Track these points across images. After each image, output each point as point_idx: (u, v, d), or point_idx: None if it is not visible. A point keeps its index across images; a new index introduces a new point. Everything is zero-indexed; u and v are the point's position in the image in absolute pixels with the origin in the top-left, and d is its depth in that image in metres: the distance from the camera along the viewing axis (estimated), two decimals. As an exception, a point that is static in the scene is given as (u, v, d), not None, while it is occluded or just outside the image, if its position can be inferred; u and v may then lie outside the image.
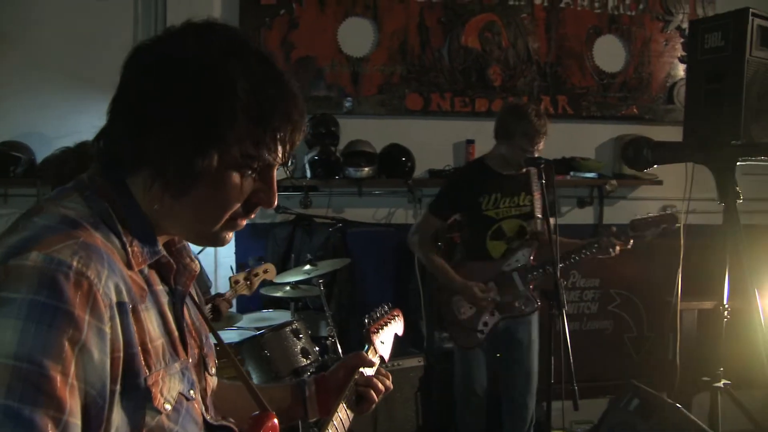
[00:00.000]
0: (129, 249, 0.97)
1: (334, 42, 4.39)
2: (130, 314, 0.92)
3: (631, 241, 3.19)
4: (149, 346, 0.95)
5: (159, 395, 0.94)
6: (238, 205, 1.01)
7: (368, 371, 1.49)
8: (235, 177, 0.98)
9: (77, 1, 4.13)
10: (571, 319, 4.53)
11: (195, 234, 1.05)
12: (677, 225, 3.21)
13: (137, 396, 0.91)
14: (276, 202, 1.05)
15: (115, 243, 0.96)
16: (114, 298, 0.89)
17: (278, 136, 0.98)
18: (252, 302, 3.95)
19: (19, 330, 0.80)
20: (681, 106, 4.74)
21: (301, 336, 3.23)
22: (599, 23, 4.68)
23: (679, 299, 3.15)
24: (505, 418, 3.39)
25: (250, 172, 0.99)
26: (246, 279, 3.11)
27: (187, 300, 1.12)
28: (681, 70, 4.77)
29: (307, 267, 3.61)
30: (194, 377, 1.07)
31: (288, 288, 3.66)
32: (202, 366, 1.13)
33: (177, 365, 1.01)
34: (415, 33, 4.48)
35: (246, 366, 3.15)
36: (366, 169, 4.19)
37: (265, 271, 3.21)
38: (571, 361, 2.64)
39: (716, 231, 3.52)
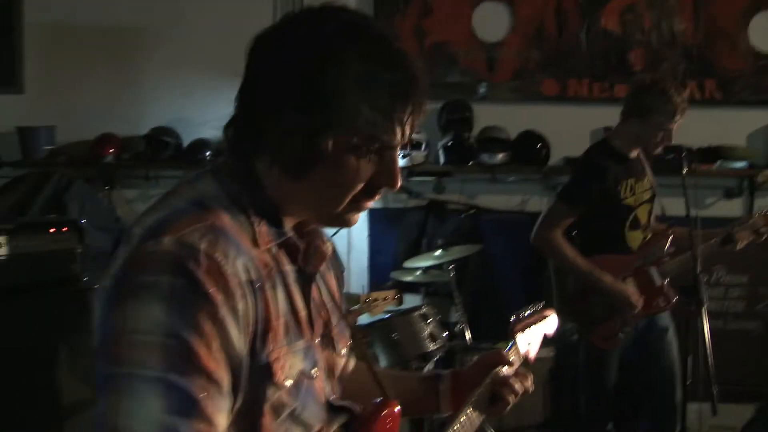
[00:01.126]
0: (257, 229, 1.01)
1: (468, 27, 4.34)
2: (259, 292, 0.96)
3: (764, 236, 2.95)
4: (273, 323, 0.98)
5: (280, 371, 0.97)
6: (359, 188, 1.02)
7: (507, 370, 1.44)
8: (353, 159, 0.99)
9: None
10: (714, 317, 4.24)
11: (320, 216, 1.09)
12: None
13: (260, 371, 0.95)
14: (398, 185, 1.04)
15: (244, 223, 1.00)
16: (243, 277, 0.94)
17: (395, 118, 0.98)
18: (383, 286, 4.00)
19: (164, 310, 0.87)
20: None
21: (429, 321, 3.24)
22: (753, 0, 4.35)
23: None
24: (644, 421, 3.22)
25: (368, 154, 0.99)
26: (374, 301, 3.18)
27: (319, 280, 1.14)
28: None
29: (439, 252, 3.61)
30: (318, 356, 1.08)
31: (419, 273, 3.69)
32: (330, 346, 1.15)
33: (301, 343, 1.03)
34: (552, 16, 4.34)
35: (374, 348, 3.20)
36: (500, 155, 4.14)
37: (396, 298, 3.26)
38: (710, 361, 2.48)
39: None
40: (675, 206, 3.14)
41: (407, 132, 1.01)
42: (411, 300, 3.78)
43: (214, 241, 0.92)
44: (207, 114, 4.16)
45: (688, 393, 2.75)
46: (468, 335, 3.53)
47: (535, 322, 1.62)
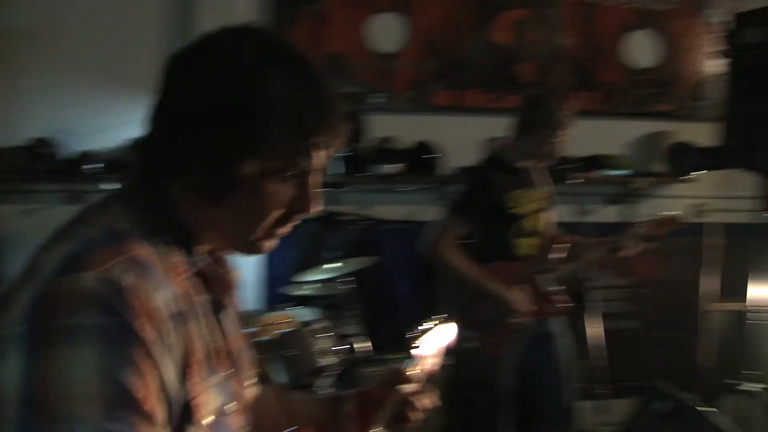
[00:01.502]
0: (172, 258, 0.97)
1: (363, 38, 4.36)
2: (182, 325, 0.92)
3: (643, 246, 3.12)
4: (194, 358, 0.94)
5: (201, 409, 0.94)
6: (277, 214, 1.00)
7: (411, 387, 1.44)
8: (272, 185, 0.97)
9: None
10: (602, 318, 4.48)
11: (234, 242, 1.05)
12: (680, 226, 3.16)
13: (182, 409, 0.92)
14: (313, 209, 1.02)
15: (158, 253, 0.95)
16: (168, 311, 0.90)
17: (316, 143, 0.97)
18: (278, 300, 3.95)
19: (97, 354, 0.81)
20: (714, 102, 4.66)
21: (328, 335, 3.22)
22: (631, 18, 4.61)
23: (708, 300, 3.12)
24: (537, 424, 3.33)
25: (286, 179, 0.98)
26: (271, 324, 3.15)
27: (228, 310, 1.11)
28: (714, 66, 4.69)
29: (334, 265, 3.60)
30: (232, 389, 1.06)
31: (315, 286, 3.66)
32: (240, 377, 1.12)
33: (216, 378, 1.00)
34: (446, 28, 4.43)
35: (271, 365, 3.15)
36: (394, 166, 4.17)
37: (288, 321, 3.24)
38: (601, 362, 2.61)
39: (747, 231, 3.50)
40: (563, 213, 3.28)
41: (325, 156, 1.00)
42: (308, 314, 3.74)
43: (137, 275, 0.87)
44: (93, 125, 3.99)
45: (582, 393, 2.87)
46: (367, 347, 3.53)
47: (435, 335, 1.63)
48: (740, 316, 3.38)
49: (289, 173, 0.97)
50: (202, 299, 1.01)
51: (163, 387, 0.86)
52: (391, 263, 4.24)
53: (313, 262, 4.02)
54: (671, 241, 3.16)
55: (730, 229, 3.65)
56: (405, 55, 4.40)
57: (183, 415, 0.91)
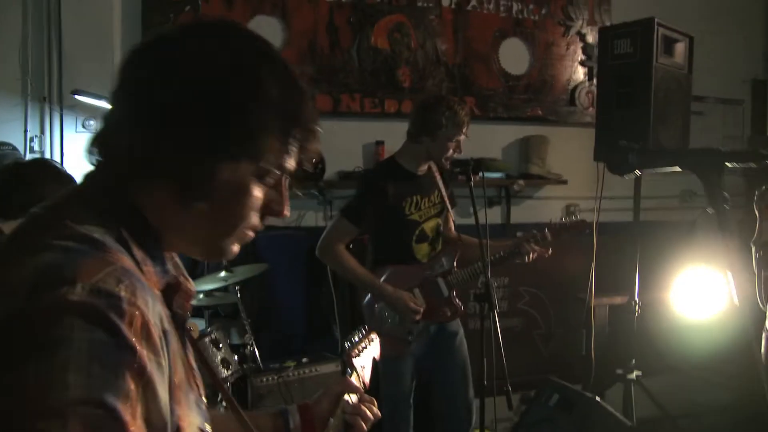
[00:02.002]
0: (144, 269, 0.87)
1: (241, 40, 4.25)
2: (170, 344, 0.84)
3: (551, 250, 3.23)
4: (176, 377, 0.86)
5: (187, 430, 0.86)
6: (253, 216, 0.95)
7: (353, 398, 1.41)
8: (256, 186, 0.93)
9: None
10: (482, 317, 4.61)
11: (204, 247, 0.98)
12: (588, 231, 3.32)
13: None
14: (285, 213, 0.99)
15: (134, 262, 0.86)
16: (160, 326, 0.81)
17: (292, 144, 0.93)
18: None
19: (84, 372, 0.69)
20: (582, 108, 4.94)
21: (220, 346, 3.11)
22: (504, 26, 4.79)
23: (592, 295, 3.27)
24: (440, 423, 3.36)
25: (267, 181, 0.93)
26: None
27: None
28: (581, 73, 4.96)
29: (223, 273, 3.48)
30: (204, 407, 0.98)
31: (202, 296, 3.52)
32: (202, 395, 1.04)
33: (192, 396, 0.92)
34: (324, 33, 4.41)
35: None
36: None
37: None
38: (504, 361, 2.67)
39: (624, 228, 3.72)
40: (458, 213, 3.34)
41: (300, 158, 0.96)
42: (198, 324, 3.60)
43: (132, 287, 0.77)
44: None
45: (482, 390, 2.93)
46: (258, 356, 3.44)
47: (366, 347, 1.63)
48: (621, 308, 3.58)
49: (272, 175, 0.93)
50: (167, 313, 0.91)
51: (154, 411, 0.76)
52: (276, 270, 4.16)
53: (200, 271, 3.87)
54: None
55: (610, 227, 3.86)
56: (284, 58, 4.33)
57: None
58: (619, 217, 4.18)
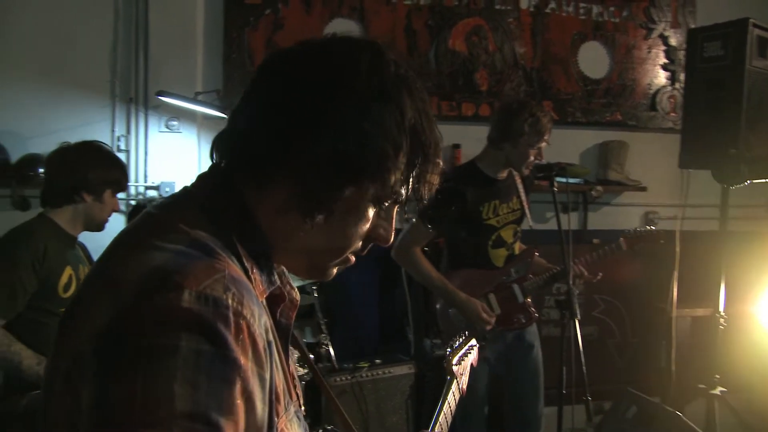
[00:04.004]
0: (252, 277, 0.86)
1: (320, 44, 4.31)
2: (273, 354, 0.82)
3: (599, 275, 3.18)
4: (278, 389, 0.85)
5: None
6: (360, 240, 0.94)
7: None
8: (371, 210, 0.92)
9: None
10: (556, 325, 4.54)
11: (309, 263, 0.97)
12: (662, 241, 3.23)
13: None
14: (391, 240, 0.98)
15: (242, 270, 0.85)
16: (265, 337, 0.80)
17: (420, 175, 0.92)
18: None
19: (189, 384, 0.69)
20: (663, 113, 4.80)
21: (298, 344, 3.14)
22: (584, 29, 4.70)
23: (674, 306, 3.18)
24: (513, 430, 3.33)
25: (383, 206, 0.92)
26: None
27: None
28: (663, 77, 4.82)
29: (299, 274, 3.53)
30: (302, 418, 0.97)
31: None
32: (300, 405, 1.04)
33: (292, 408, 0.92)
34: (402, 36, 4.43)
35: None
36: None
37: None
38: (584, 370, 2.62)
39: (708, 238, 3.60)
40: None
41: (429, 191, 0.95)
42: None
43: (240, 295, 0.76)
44: (39, 128, 3.82)
45: (558, 399, 2.89)
46: (333, 356, 3.48)
47: (466, 354, 1.62)
48: (704, 321, 3.46)
49: (389, 201, 0.92)
50: (271, 323, 0.91)
51: (253, 426, 0.76)
52: (352, 271, 4.17)
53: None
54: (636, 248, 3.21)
55: (695, 236, 3.74)
56: (362, 62, 4.37)
57: None
58: (702, 226, 4.05)
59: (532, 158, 3.07)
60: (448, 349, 1.58)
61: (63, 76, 3.90)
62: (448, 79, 4.49)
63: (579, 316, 2.73)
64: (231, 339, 0.72)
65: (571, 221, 4.67)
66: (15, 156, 3.85)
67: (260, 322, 0.78)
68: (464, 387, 1.57)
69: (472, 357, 1.68)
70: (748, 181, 1.47)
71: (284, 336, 0.97)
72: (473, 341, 1.70)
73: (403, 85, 0.90)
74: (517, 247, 3.24)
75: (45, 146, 3.78)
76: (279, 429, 0.84)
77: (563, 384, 2.79)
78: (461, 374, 1.58)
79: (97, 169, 2.58)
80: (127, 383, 0.68)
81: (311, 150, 0.86)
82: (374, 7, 4.37)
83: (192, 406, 0.68)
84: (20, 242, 2.45)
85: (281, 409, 0.86)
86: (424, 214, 3.16)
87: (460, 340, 1.65)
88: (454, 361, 1.57)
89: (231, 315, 0.73)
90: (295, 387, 0.99)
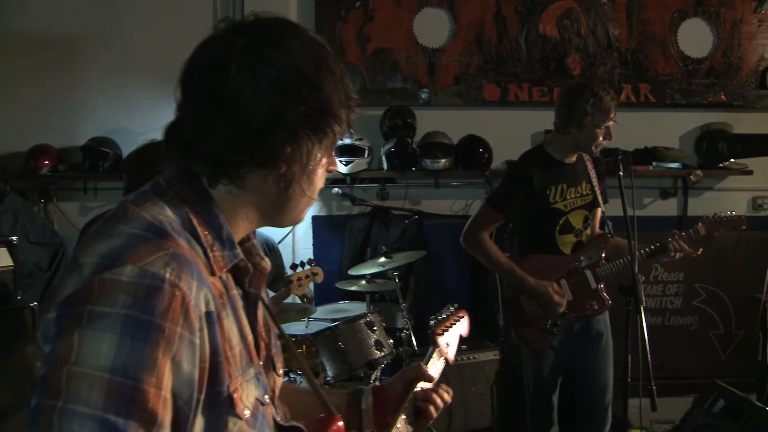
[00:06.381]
0: (210, 255, 0.97)
1: (409, 33, 4.37)
2: (216, 323, 0.93)
3: (701, 249, 3.05)
4: (229, 353, 0.95)
5: (239, 402, 0.95)
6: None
7: (430, 384, 1.46)
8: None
9: (161, 2, 4.27)
10: (653, 314, 4.41)
11: (289, 219, 1.09)
12: (744, 228, 3.06)
13: (220, 404, 0.93)
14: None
15: (197, 249, 0.96)
16: (203, 308, 0.90)
17: (350, 117, 1.05)
18: (328, 294, 3.99)
19: (115, 344, 0.82)
20: (771, 91, 4.52)
21: (375, 328, 3.24)
22: (684, 6, 4.49)
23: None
24: (581, 422, 3.27)
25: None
26: (299, 279, 3.16)
27: (262, 300, 1.12)
28: (771, 54, 4.54)
29: (383, 259, 3.62)
30: (266, 381, 1.07)
31: (363, 281, 3.69)
32: (271, 367, 1.13)
33: (252, 370, 1.01)
34: (491, 22, 4.41)
35: (320, 358, 3.18)
36: (443, 160, 4.18)
37: (315, 274, 3.24)
38: (649, 359, 2.54)
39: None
40: (614, 207, 3.21)
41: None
42: (357, 307, 3.78)
43: (179, 270, 0.88)
44: (147, 124, 4.09)
45: (629, 390, 2.80)
46: (414, 341, 3.55)
47: (452, 324, 1.66)
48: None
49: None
50: (235, 293, 1.02)
51: (178, 388, 0.86)
52: (440, 258, 4.24)
53: (363, 256, 4.06)
54: (731, 235, 3.04)
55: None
56: (451, 50, 4.40)
57: (223, 408, 0.93)
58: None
59: (600, 138, 2.98)
60: (433, 320, 1.61)
61: (166, 75, 4.09)
62: (540, 65, 4.44)
63: (644, 303, 2.62)
64: (162, 307, 0.84)
65: (669, 207, 4.53)
66: (126, 151, 4.13)
67: (198, 294, 0.90)
68: (450, 357, 1.60)
69: (462, 328, 1.70)
70: None
71: (253, 303, 1.07)
72: (463, 313, 1.72)
73: (324, 45, 1.04)
74: (588, 233, 3.16)
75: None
76: (232, 389, 0.94)
77: (628, 373, 2.68)
78: (447, 344, 1.61)
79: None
80: (68, 340, 0.83)
81: (275, 132, 0.97)
82: (463, -5, 4.38)
83: (113, 362, 0.81)
84: None
85: (233, 370, 0.95)
86: (492, 197, 3.17)
87: (448, 311, 1.68)
88: (438, 331, 1.60)
89: (166, 286, 0.86)
90: (265, 350, 1.09)
